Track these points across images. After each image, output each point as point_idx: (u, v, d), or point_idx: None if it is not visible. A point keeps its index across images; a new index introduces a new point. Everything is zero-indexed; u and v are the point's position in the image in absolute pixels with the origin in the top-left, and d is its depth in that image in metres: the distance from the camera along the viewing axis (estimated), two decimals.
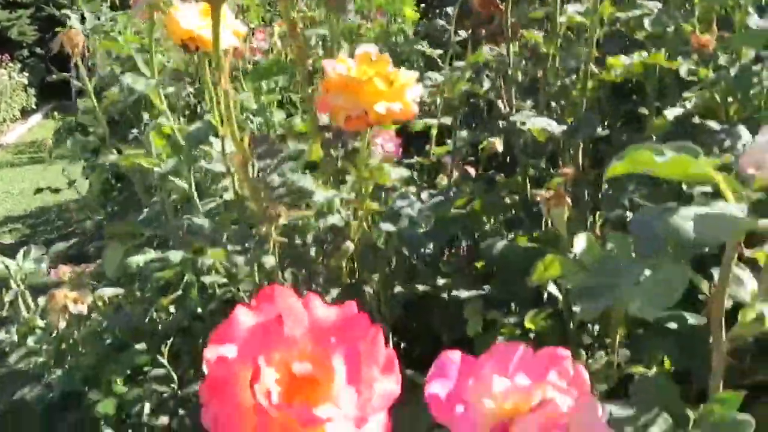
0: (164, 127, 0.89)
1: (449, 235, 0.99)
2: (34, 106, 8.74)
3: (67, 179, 2.82)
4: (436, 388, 0.51)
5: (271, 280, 0.82)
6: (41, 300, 1.26)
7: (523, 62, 0.91)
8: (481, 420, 0.50)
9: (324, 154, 0.79)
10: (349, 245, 0.74)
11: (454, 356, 0.52)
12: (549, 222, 0.81)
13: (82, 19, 2.11)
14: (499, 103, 0.97)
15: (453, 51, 1.45)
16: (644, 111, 0.99)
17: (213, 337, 0.48)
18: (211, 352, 0.47)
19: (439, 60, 1.48)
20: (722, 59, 0.81)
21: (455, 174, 1.38)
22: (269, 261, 0.69)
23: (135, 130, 1.40)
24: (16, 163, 6.92)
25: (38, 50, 9.54)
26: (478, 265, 1.08)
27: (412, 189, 1.25)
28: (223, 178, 0.86)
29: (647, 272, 0.56)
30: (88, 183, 3.09)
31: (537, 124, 0.78)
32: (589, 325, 0.92)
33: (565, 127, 0.78)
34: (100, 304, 1.16)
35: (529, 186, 1.02)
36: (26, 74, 8.45)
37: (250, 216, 0.71)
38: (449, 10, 1.42)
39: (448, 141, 1.58)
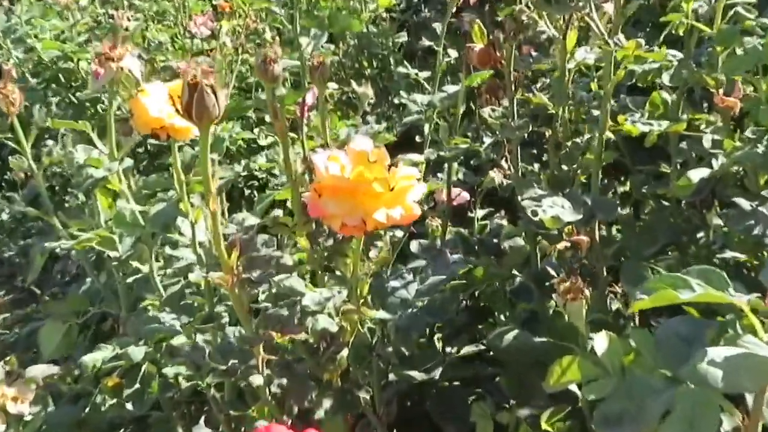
0: (122, 210, 0.95)
1: (450, 313, 1.07)
2: None
3: None
4: None
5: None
6: None
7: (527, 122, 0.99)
8: None
9: (311, 246, 0.86)
10: (345, 354, 0.81)
11: None
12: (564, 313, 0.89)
13: None
14: (503, 163, 1.05)
15: (441, 73, 1.54)
16: (666, 169, 1.08)
17: None
18: None
19: (426, 84, 1.57)
20: (749, 131, 0.90)
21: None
22: (256, 380, 0.76)
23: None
24: None
25: None
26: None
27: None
28: (194, 267, 0.93)
29: (676, 400, 0.65)
30: None
31: (549, 211, 0.85)
32: None
33: (580, 216, 0.87)
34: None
35: (538, 255, 1.10)
36: None
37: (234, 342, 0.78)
38: (436, 27, 1.50)
39: (439, 175, 1.67)
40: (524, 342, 0.94)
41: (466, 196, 1.60)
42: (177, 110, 0.62)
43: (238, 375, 0.76)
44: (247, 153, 2.22)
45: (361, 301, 0.83)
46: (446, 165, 1.33)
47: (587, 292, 0.88)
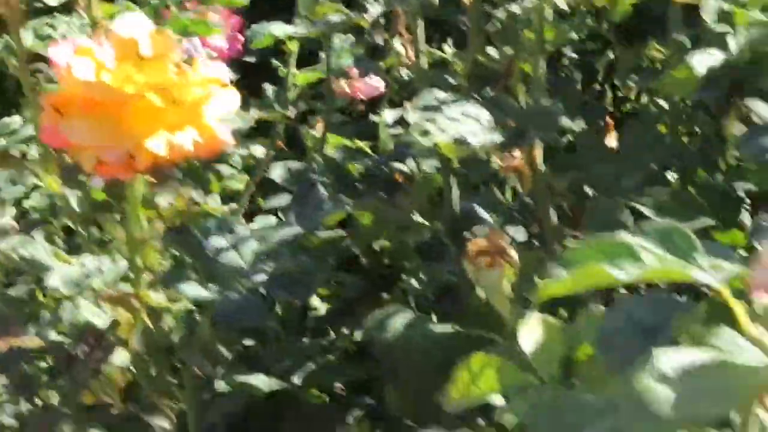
0: None
1: (315, 286, 1.06)
2: None
3: None
4: None
5: None
6: None
7: None
8: None
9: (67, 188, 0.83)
10: (119, 359, 0.80)
11: None
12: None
13: None
14: (399, 45, 1.03)
15: None
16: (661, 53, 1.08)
17: None
18: None
19: None
20: None
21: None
22: None
23: None
24: None
25: None
26: None
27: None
28: None
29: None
30: None
31: (448, 128, 0.83)
32: None
33: (501, 138, 0.85)
34: None
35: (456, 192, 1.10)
36: None
37: None
38: None
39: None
40: (422, 333, 0.93)
41: (377, 84, 1.58)
42: None
43: None
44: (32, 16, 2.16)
45: (146, 275, 0.81)
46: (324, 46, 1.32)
47: (514, 254, 0.87)
